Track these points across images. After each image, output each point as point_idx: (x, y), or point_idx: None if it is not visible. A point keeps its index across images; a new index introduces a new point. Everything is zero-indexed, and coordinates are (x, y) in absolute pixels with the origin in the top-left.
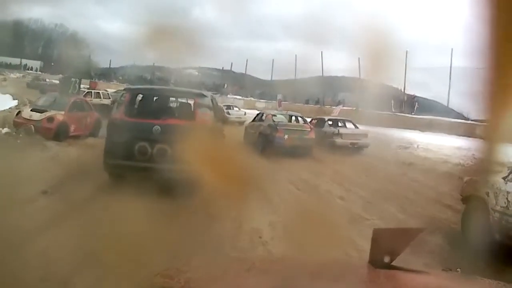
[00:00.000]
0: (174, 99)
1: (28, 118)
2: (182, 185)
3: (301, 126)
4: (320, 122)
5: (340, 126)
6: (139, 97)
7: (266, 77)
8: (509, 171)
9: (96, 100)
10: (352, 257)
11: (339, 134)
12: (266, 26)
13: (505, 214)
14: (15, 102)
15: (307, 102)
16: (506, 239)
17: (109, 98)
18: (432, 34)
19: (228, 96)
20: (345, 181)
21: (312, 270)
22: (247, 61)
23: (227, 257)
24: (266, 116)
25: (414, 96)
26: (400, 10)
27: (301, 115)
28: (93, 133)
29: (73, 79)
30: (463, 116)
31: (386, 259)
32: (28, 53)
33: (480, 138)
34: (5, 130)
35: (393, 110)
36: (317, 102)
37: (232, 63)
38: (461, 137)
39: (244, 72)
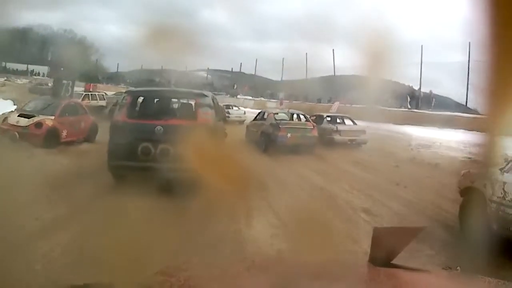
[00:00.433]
0: (175, 99)
1: (15, 124)
2: (185, 184)
3: (304, 124)
4: (319, 119)
5: (338, 123)
6: (141, 99)
7: (277, 77)
8: (506, 162)
9: (93, 102)
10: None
11: (337, 131)
12: (275, 26)
13: (501, 205)
14: (15, 107)
15: (319, 101)
16: (503, 229)
17: (104, 100)
18: (439, 29)
19: (238, 96)
20: (367, 187)
21: (312, 269)
22: (256, 61)
23: (227, 256)
24: (268, 115)
25: (431, 92)
26: (409, 7)
27: (303, 113)
28: (89, 138)
29: (65, 81)
30: (477, 112)
31: (386, 258)
32: (37, 59)
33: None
34: None
35: (409, 107)
36: (329, 101)
37: (241, 64)
38: (483, 133)
39: (254, 73)
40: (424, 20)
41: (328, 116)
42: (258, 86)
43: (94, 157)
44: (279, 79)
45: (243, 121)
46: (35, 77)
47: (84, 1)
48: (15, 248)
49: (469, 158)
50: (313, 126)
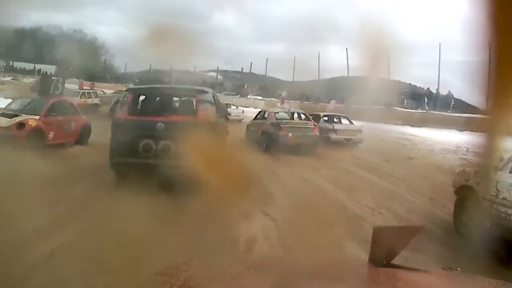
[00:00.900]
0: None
1: None
2: (186, 181)
3: (305, 123)
4: (316, 118)
5: (335, 122)
6: (142, 96)
7: (288, 78)
8: (501, 162)
9: (89, 100)
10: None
11: (333, 130)
12: (286, 27)
13: (494, 203)
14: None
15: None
16: (495, 227)
17: (98, 98)
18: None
19: (248, 97)
20: (393, 203)
21: (312, 269)
22: (267, 60)
23: (227, 256)
24: (268, 114)
25: (450, 93)
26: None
27: (304, 112)
28: (80, 141)
29: (54, 78)
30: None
31: (386, 258)
32: (45, 59)
33: None
34: None
35: (427, 108)
36: (342, 102)
37: (251, 63)
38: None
39: (264, 74)
40: (442, 19)
41: (325, 116)
42: (268, 87)
43: (82, 163)
44: (290, 80)
45: (241, 120)
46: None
47: (96, 3)
48: None
49: None
50: (314, 126)
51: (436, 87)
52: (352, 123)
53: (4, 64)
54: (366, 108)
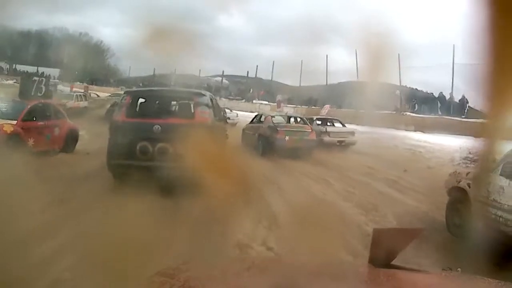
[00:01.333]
0: (174, 99)
1: None
2: (183, 183)
3: (302, 127)
4: (309, 122)
5: (328, 125)
6: (140, 98)
7: (295, 83)
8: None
9: (81, 103)
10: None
11: (326, 133)
12: (293, 31)
13: (485, 204)
14: None
15: (339, 106)
16: (486, 228)
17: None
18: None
19: (254, 101)
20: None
21: (312, 269)
22: (273, 63)
23: (227, 256)
24: (265, 118)
25: (464, 97)
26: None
27: (301, 116)
28: (66, 148)
29: (36, 79)
30: None
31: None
32: (49, 62)
33: None
34: None
35: (440, 113)
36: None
37: (257, 66)
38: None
39: (270, 79)
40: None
41: (318, 119)
42: (274, 91)
43: (62, 176)
44: (297, 85)
45: (236, 123)
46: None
47: (101, 5)
48: None
49: None
50: (311, 129)
51: (450, 91)
52: (344, 126)
53: (8, 67)
54: (376, 114)
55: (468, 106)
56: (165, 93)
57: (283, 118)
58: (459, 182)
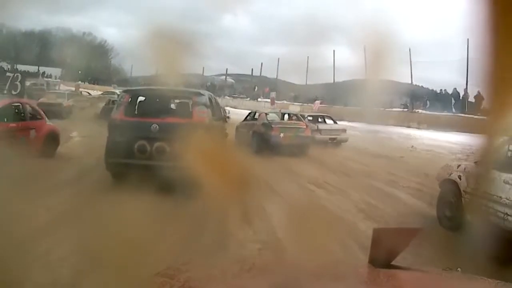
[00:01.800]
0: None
1: None
2: (181, 182)
3: (296, 124)
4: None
5: (319, 122)
6: (138, 97)
7: (300, 81)
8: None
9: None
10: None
11: (318, 130)
12: (298, 30)
13: (475, 196)
14: None
15: (345, 104)
16: (475, 219)
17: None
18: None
19: (259, 99)
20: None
21: (312, 269)
22: (279, 59)
23: (227, 256)
24: (259, 115)
25: (480, 93)
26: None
27: (295, 113)
28: (45, 152)
29: (10, 75)
30: None
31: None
32: (53, 61)
33: None
34: None
35: (454, 111)
36: (358, 104)
37: (262, 63)
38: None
39: (276, 77)
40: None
41: (309, 116)
42: (280, 89)
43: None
44: (303, 83)
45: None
46: (46, 79)
47: (105, 6)
48: None
49: None
50: (306, 126)
51: (464, 87)
52: (336, 123)
53: (9, 67)
54: (385, 112)
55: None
56: (164, 92)
57: (277, 115)
58: (450, 174)
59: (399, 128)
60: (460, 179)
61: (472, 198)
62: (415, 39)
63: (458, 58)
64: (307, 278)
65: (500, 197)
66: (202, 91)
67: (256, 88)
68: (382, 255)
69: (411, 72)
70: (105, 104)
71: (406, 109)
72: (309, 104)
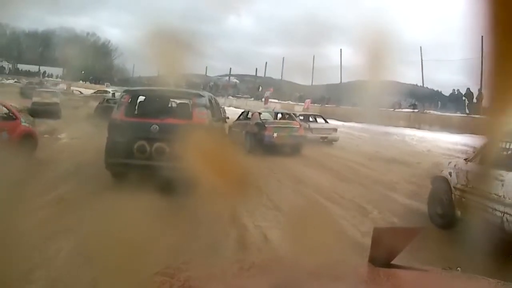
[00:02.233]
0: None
1: None
2: (180, 182)
3: (290, 123)
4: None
5: (310, 121)
6: (139, 98)
7: (307, 82)
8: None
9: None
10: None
11: (309, 129)
12: (304, 30)
13: (464, 192)
14: None
15: (354, 105)
16: (465, 215)
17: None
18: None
19: (263, 99)
20: None
21: (312, 269)
22: (283, 60)
23: (226, 256)
24: (252, 114)
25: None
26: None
27: (289, 112)
28: (19, 156)
29: None
30: None
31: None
32: (55, 61)
33: None
34: None
35: (467, 112)
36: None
37: (266, 63)
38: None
39: (280, 78)
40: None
41: (300, 115)
42: (285, 90)
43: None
44: (308, 84)
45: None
46: (47, 78)
47: (109, 6)
48: None
49: None
50: (300, 125)
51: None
52: (327, 122)
53: (11, 66)
54: (394, 113)
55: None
56: (164, 93)
57: (271, 114)
58: (441, 171)
59: (410, 130)
60: (450, 175)
61: (462, 195)
62: (426, 38)
63: (472, 57)
64: (307, 278)
65: (490, 193)
66: (202, 92)
67: (260, 88)
68: (382, 254)
69: (422, 72)
70: (99, 103)
71: (416, 110)
72: (315, 105)
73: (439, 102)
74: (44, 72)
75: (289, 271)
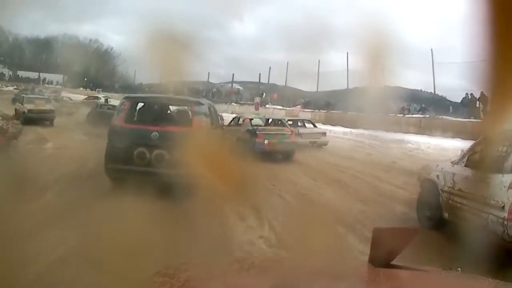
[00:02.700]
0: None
1: None
2: (179, 188)
3: (281, 130)
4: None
5: (299, 126)
6: (139, 105)
7: (312, 88)
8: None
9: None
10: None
11: (299, 134)
12: (310, 37)
13: (451, 194)
14: None
15: (361, 111)
16: (452, 216)
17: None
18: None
19: (267, 106)
20: None
21: (312, 269)
22: (287, 64)
23: (226, 256)
24: (243, 121)
25: None
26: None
27: (280, 118)
28: None
29: None
30: None
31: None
32: (56, 68)
33: None
34: None
35: (482, 117)
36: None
37: (270, 68)
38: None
39: (284, 84)
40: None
41: (289, 120)
42: (290, 96)
43: None
44: (313, 90)
45: None
46: (47, 85)
47: (111, 13)
48: None
49: None
50: (291, 132)
51: None
52: (316, 127)
53: (11, 73)
54: (404, 118)
55: None
56: (164, 100)
57: (262, 120)
58: (429, 174)
59: (421, 137)
60: (438, 178)
61: (449, 197)
62: (437, 41)
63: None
64: (307, 278)
65: (474, 194)
66: (202, 100)
67: (264, 94)
68: (382, 255)
69: (434, 76)
70: (92, 109)
71: (427, 116)
72: (321, 111)
73: (451, 107)
74: (44, 79)
75: (289, 271)
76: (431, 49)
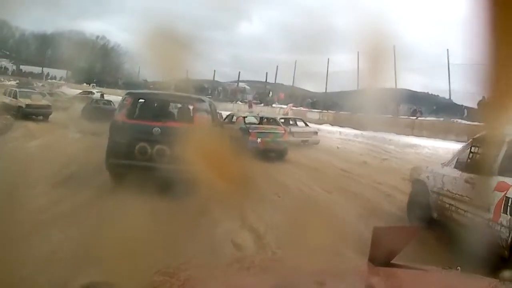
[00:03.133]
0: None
1: None
2: (180, 183)
3: (274, 129)
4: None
5: (291, 125)
6: (141, 101)
7: (320, 89)
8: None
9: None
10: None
11: (290, 132)
12: (317, 37)
13: (440, 194)
14: None
15: (370, 112)
16: (441, 217)
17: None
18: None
19: (274, 105)
20: None
21: (311, 269)
22: (295, 64)
23: (226, 255)
24: (237, 119)
25: None
26: None
27: (273, 117)
28: None
29: None
30: None
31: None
32: (61, 64)
33: None
34: None
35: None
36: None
37: (277, 66)
38: None
39: (292, 84)
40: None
41: (281, 119)
42: (297, 96)
43: None
44: (322, 90)
45: None
46: (49, 80)
47: (118, 12)
48: None
49: None
50: (284, 131)
51: None
52: (308, 126)
53: (14, 68)
54: (417, 121)
55: None
56: (166, 96)
57: (256, 118)
58: (420, 175)
59: (436, 141)
60: (428, 179)
61: (437, 197)
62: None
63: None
64: (306, 278)
65: (462, 195)
66: (203, 98)
67: (270, 94)
68: (382, 254)
69: (449, 78)
70: (87, 104)
71: (441, 119)
72: (329, 111)
73: (465, 110)
74: (47, 74)
75: (289, 271)
76: (447, 49)
